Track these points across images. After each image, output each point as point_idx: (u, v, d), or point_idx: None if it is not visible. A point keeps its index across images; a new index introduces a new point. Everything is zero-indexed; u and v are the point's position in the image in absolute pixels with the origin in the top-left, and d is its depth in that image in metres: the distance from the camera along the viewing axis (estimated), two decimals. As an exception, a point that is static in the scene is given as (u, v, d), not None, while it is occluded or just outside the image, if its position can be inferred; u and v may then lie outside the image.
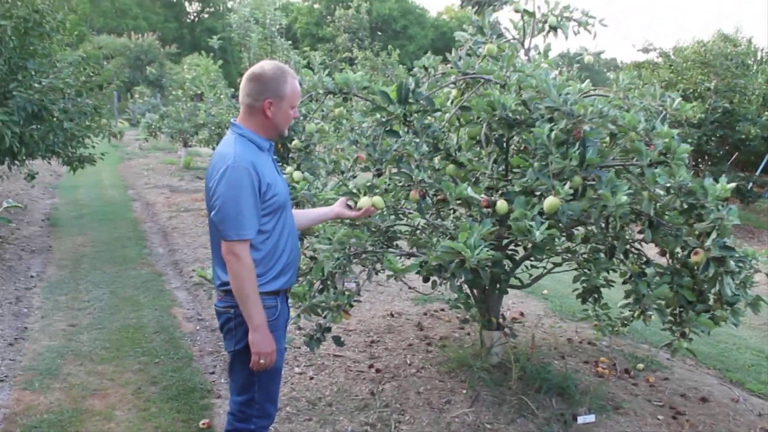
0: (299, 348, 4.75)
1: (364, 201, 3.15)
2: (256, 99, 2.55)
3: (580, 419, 3.69)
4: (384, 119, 3.35)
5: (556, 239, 4.11)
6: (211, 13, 55.26)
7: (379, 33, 47.61)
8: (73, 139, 8.09)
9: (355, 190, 3.23)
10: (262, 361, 2.54)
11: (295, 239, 2.75)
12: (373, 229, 3.58)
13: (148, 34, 39.14)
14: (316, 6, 48.69)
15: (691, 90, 10.91)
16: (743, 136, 10.38)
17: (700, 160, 11.31)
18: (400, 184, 3.53)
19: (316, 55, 4.83)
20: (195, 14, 58.22)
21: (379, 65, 19.70)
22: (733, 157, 12.14)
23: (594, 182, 2.98)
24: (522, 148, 3.57)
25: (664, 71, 11.48)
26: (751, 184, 11.75)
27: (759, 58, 12.53)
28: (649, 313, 3.59)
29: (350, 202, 3.15)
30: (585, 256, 3.87)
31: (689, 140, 10.36)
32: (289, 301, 2.98)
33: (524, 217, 2.83)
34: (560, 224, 3.64)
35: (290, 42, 10.29)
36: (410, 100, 3.21)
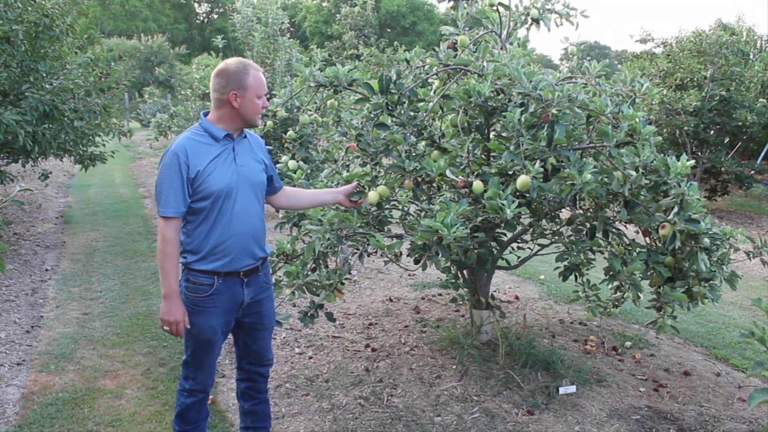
0: (299, 330, 4.98)
1: (372, 195, 3.37)
2: (222, 92, 2.77)
3: (562, 390, 3.88)
4: (372, 114, 3.54)
5: (544, 222, 4.32)
6: (221, 14, 55.55)
7: (388, 30, 47.75)
8: (84, 137, 8.30)
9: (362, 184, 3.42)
10: (166, 328, 2.76)
11: (237, 227, 2.80)
12: (363, 213, 3.79)
13: (158, 36, 39.53)
14: (324, 4, 48.88)
15: (688, 79, 11.01)
16: (740, 123, 10.47)
17: (697, 146, 11.39)
18: (394, 175, 3.73)
19: (318, 52, 5.05)
20: (204, 15, 58.64)
21: (385, 62, 19.83)
22: (737, 146, 12.22)
23: (563, 163, 3.17)
24: (504, 135, 3.77)
25: (662, 61, 11.58)
26: (753, 172, 11.86)
27: (759, 46, 12.58)
28: (628, 293, 3.79)
29: (354, 198, 3.34)
30: (571, 237, 4.06)
31: (686, 128, 10.49)
32: (248, 285, 2.91)
33: (497, 196, 3.02)
34: (543, 208, 3.86)
35: (298, 40, 10.49)
36: (392, 91, 3.41)
